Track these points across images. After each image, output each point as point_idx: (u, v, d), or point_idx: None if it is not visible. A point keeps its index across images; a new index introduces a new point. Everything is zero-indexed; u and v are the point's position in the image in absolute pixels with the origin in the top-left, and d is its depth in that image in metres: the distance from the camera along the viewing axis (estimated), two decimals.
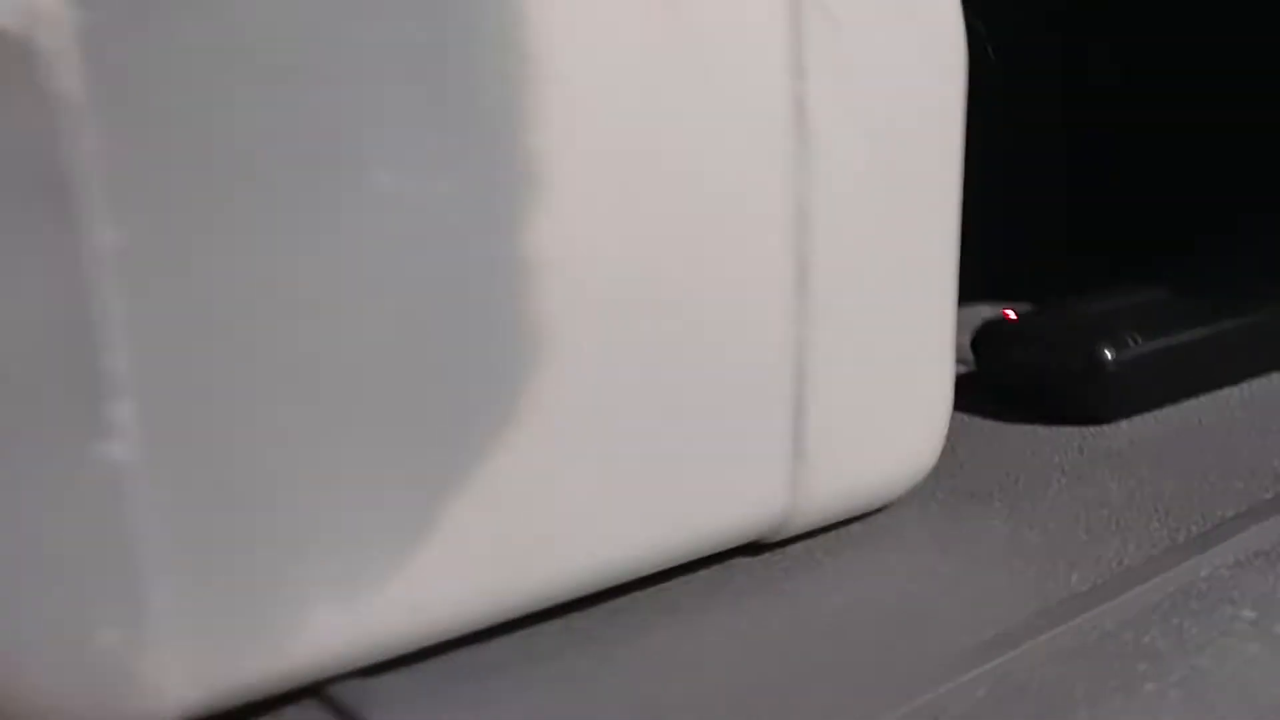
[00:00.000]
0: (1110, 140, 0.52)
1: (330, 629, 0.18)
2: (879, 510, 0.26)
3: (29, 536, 0.15)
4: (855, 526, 0.26)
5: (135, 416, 0.16)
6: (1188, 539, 0.24)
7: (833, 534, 0.25)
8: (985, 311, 0.36)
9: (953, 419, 0.26)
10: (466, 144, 0.18)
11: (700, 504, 0.22)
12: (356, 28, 0.17)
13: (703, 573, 0.24)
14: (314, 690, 0.19)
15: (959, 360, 0.27)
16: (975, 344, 0.34)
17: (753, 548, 0.25)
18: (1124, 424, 0.32)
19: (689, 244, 0.21)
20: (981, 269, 0.29)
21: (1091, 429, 0.31)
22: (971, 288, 0.28)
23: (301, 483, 0.18)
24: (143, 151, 0.15)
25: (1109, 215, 0.50)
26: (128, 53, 0.15)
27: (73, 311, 0.15)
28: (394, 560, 0.19)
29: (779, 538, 0.25)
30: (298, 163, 0.17)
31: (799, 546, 0.25)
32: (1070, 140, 0.54)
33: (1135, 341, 0.31)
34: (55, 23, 0.14)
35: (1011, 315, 0.34)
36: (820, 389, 0.23)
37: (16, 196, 0.14)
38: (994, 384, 0.33)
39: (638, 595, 0.23)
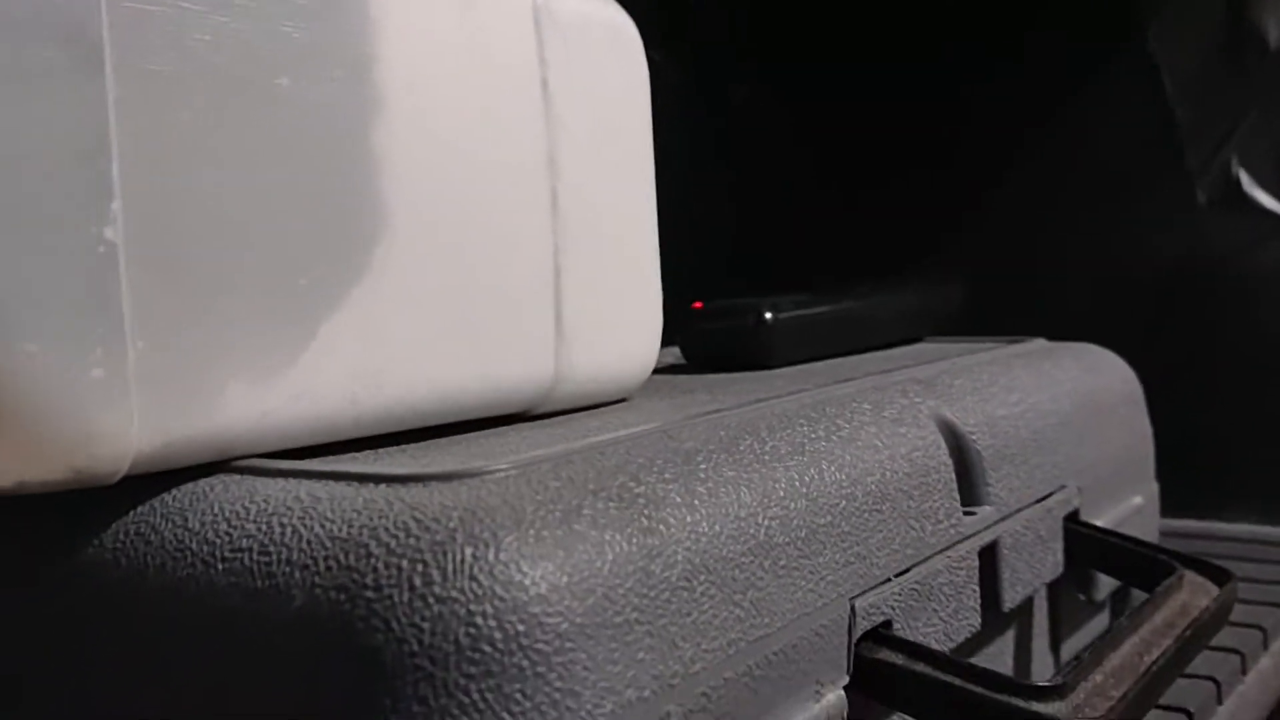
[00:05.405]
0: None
1: (240, 407, 0.25)
2: (618, 402, 0.36)
3: (53, 291, 0.22)
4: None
5: (123, 213, 0.23)
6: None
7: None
8: None
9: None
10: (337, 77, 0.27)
11: (491, 360, 0.31)
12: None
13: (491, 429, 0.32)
14: (224, 465, 0.26)
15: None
16: (678, 328, 0.44)
17: (525, 417, 0.33)
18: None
19: (479, 175, 0.30)
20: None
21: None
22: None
23: (227, 291, 0.25)
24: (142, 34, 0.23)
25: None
26: None
27: (95, 135, 0.22)
28: (286, 358, 0.26)
29: (548, 408, 0.33)
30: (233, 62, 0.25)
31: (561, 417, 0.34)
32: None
33: (790, 308, 0.43)
34: None
35: (699, 305, 0.45)
36: (572, 287, 0.33)
37: (70, 53, 0.22)
38: (692, 353, 0.44)
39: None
